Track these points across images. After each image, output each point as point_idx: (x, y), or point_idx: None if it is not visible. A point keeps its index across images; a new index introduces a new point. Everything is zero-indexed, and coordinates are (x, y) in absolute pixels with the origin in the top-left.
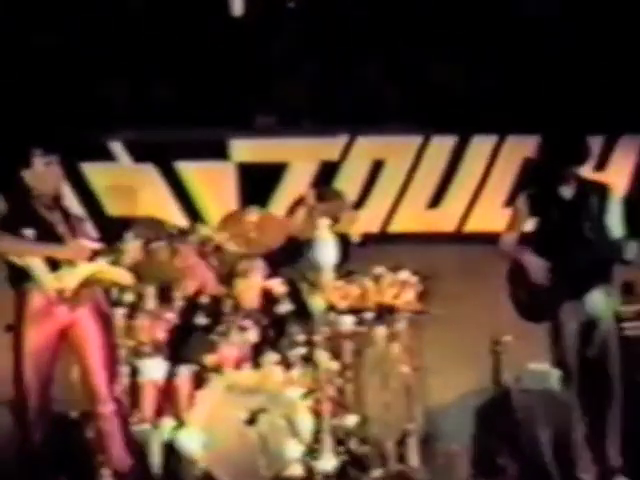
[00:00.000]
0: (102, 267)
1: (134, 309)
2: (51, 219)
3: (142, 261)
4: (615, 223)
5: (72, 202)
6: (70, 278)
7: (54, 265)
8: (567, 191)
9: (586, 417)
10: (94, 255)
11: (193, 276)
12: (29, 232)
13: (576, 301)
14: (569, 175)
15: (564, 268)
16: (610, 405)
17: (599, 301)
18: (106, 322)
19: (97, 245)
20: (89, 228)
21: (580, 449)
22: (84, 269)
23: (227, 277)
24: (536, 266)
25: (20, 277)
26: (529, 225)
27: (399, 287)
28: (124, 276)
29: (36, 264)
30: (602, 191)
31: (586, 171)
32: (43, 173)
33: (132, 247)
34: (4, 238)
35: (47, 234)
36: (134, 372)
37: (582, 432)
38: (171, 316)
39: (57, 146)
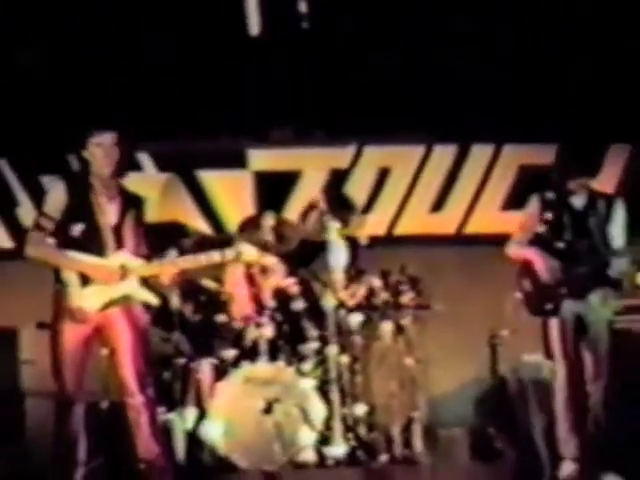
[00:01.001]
0: (131, 289)
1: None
2: (102, 218)
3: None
4: (618, 234)
5: None
6: (95, 299)
7: (85, 280)
8: (578, 200)
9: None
10: (124, 274)
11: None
12: (77, 228)
13: (575, 300)
14: (581, 185)
15: (569, 270)
16: (593, 396)
17: (597, 304)
18: (137, 320)
19: (134, 261)
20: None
21: (567, 435)
22: (111, 292)
23: (246, 276)
24: (547, 265)
25: (55, 279)
26: (539, 227)
27: (404, 286)
28: (151, 299)
29: (70, 277)
30: (610, 202)
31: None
32: (105, 153)
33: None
34: (44, 248)
35: (91, 237)
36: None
37: (569, 419)
38: (191, 313)
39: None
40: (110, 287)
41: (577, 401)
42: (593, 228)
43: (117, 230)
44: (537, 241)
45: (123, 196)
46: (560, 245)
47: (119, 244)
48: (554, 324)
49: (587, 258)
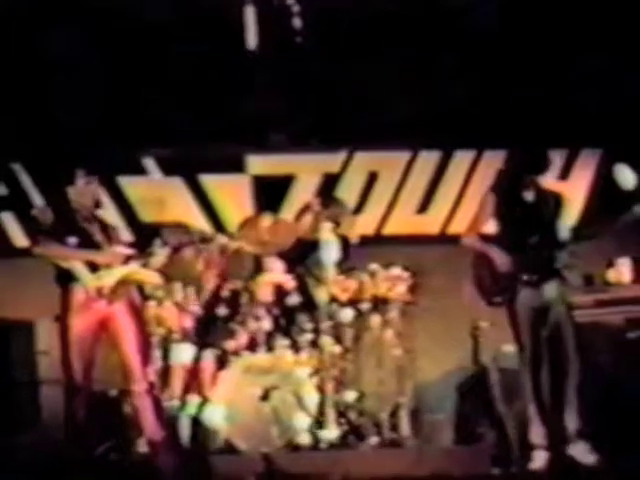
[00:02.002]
0: (134, 269)
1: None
2: (90, 230)
3: (169, 263)
4: (565, 227)
5: (110, 210)
6: (107, 278)
7: (93, 268)
8: (529, 195)
9: (543, 391)
10: (127, 259)
11: (209, 278)
12: (72, 240)
13: (532, 289)
14: (530, 182)
15: (524, 260)
16: (567, 381)
17: (553, 290)
18: (139, 314)
19: (129, 251)
20: (122, 235)
21: (533, 418)
22: (119, 271)
23: (246, 274)
24: (500, 257)
25: (65, 277)
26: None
27: (392, 281)
28: (153, 277)
29: (78, 267)
30: (557, 197)
31: (549, 180)
32: (84, 190)
33: (160, 252)
34: (52, 245)
35: (87, 242)
36: (165, 356)
37: (534, 404)
38: (196, 308)
39: (97, 164)
40: (116, 268)
41: (540, 388)
42: (542, 222)
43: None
44: (490, 238)
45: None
46: (513, 238)
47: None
48: (515, 314)
49: (538, 250)
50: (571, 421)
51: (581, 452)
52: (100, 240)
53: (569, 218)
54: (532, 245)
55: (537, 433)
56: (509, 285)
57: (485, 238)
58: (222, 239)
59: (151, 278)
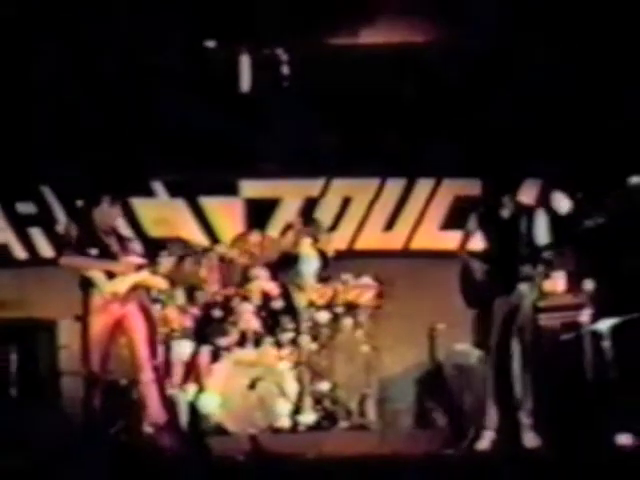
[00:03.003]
0: (145, 276)
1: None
2: (108, 242)
3: (174, 271)
4: (541, 234)
5: (124, 226)
6: (121, 285)
7: (110, 275)
8: (505, 212)
9: (501, 384)
10: (139, 268)
11: (211, 282)
12: (93, 251)
13: (505, 296)
14: (506, 201)
15: (500, 270)
16: (524, 376)
17: (525, 295)
18: (148, 314)
19: (140, 260)
20: (136, 246)
21: (489, 408)
22: (131, 278)
23: (238, 281)
24: (479, 268)
25: (86, 283)
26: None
27: (361, 289)
28: (160, 282)
29: (97, 275)
30: (531, 210)
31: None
32: (108, 211)
33: (165, 262)
34: (75, 257)
35: (105, 253)
36: (167, 351)
37: (492, 396)
38: (195, 310)
39: (115, 187)
40: (130, 275)
41: (502, 381)
42: (518, 234)
43: (122, 246)
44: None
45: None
46: (493, 251)
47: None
48: (489, 318)
49: (514, 259)
50: (523, 412)
51: (527, 437)
52: (116, 251)
53: (542, 226)
54: (509, 256)
55: (490, 417)
56: (487, 293)
57: (473, 253)
58: (220, 249)
59: (159, 283)
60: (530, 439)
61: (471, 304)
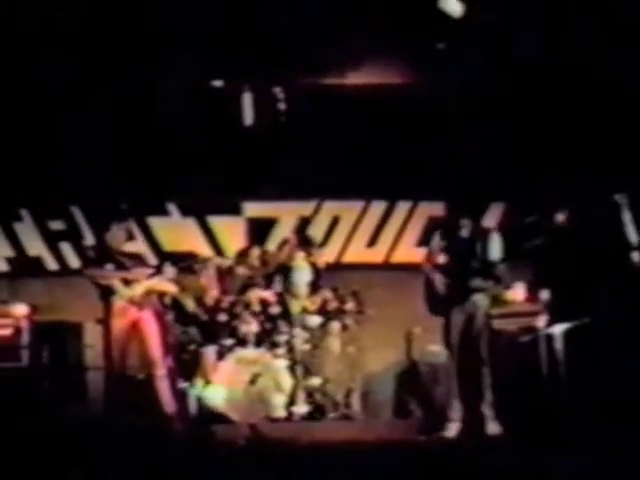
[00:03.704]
0: (156, 282)
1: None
2: (121, 259)
3: (182, 279)
4: (494, 253)
5: (140, 242)
6: (137, 290)
7: (126, 282)
8: (464, 232)
9: (464, 381)
10: (150, 275)
11: (211, 289)
12: (109, 266)
13: (461, 305)
14: (466, 223)
15: (457, 282)
16: (483, 373)
17: (479, 304)
18: (161, 318)
19: (151, 270)
20: (145, 261)
21: (453, 401)
22: (145, 284)
23: (240, 289)
24: (440, 280)
25: (107, 291)
26: (439, 257)
27: (348, 297)
28: (171, 287)
29: (116, 282)
30: (486, 231)
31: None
32: (116, 234)
33: (169, 271)
34: (96, 270)
35: (120, 267)
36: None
37: (455, 390)
38: (202, 314)
39: (134, 208)
40: (143, 282)
41: (464, 378)
42: (475, 252)
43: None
44: (438, 266)
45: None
46: (453, 265)
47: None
48: (449, 323)
49: (471, 274)
50: (485, 405)
51: (490, 426)
52: (129, 266)
53: (495, 245)
54: (467, 270)
55: (455, 410)
56: (447, 301)
57: (436, 266)
58: (217, 260)
59: (169, 288)
60: (492, 428)
61: (433, 311)
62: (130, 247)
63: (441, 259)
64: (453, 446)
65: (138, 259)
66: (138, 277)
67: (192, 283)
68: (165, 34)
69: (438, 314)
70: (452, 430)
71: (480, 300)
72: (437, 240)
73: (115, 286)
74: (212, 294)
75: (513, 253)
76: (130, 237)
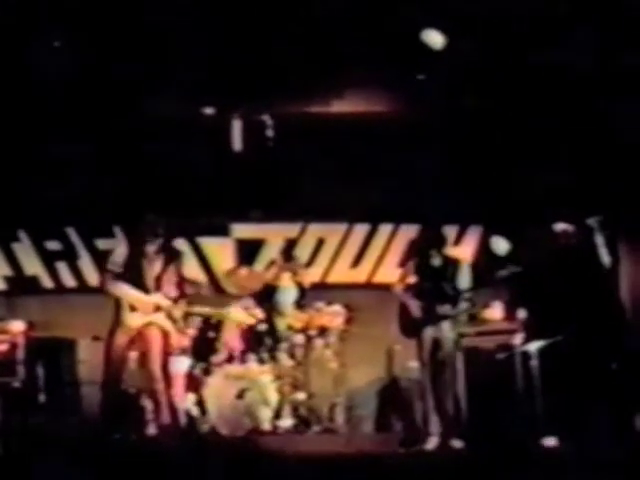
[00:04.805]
0: (156, 319)
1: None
2: (149, 270)
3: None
4: (464, 280)
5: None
6: (137, 321)
7: (132, 309)
8: (436, 261)
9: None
10: (157, 309)
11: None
12: (129, 277)
13: (433, 326)
14: (437, 252)
15: (429, 308)
16: (453, 388)
17: (448, 327)
18: (163, 333)
19: (162, 301)
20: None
21: (429, 414)
22: (146, 318)
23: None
24: (414, 304)
25: (117, 306)
26: (412, 280)
27: (332, 315)
28: (168, 325)
29: (125, 304)
30: (456, 262)
31: (449, 250)
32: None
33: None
34: (114, 283)
35: (140, 282)
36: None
37: (431, 404)
38: (192, 331)
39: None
40: (146, 315)
41: (438, 395)
42: (446, 279)
43: (158, 279)
44: (409, 288)
45: (167, 251)
46: (424, 291)
47: (158, 288)
48: (421, 342)
49: (441, 299)
50: (452, 417)
51: (457, 441)
52: (149, 285)
53: (464, 275)
54: (436, 294)
55: (433, 424)
56: (419, 323)
57: (408, 287)
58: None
59: (166, 325)
60: (456, 442)
61: (404, 333)
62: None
63: (412, 281)
64: (431, 459)
65: (175, 261)
66: (145, 308)
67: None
68: (157, 62)
69: (409, 335)
70: (431, 443)
71: (447, 327)
72: (410, 267)
73: (122, 308)
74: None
75: (487, 281)
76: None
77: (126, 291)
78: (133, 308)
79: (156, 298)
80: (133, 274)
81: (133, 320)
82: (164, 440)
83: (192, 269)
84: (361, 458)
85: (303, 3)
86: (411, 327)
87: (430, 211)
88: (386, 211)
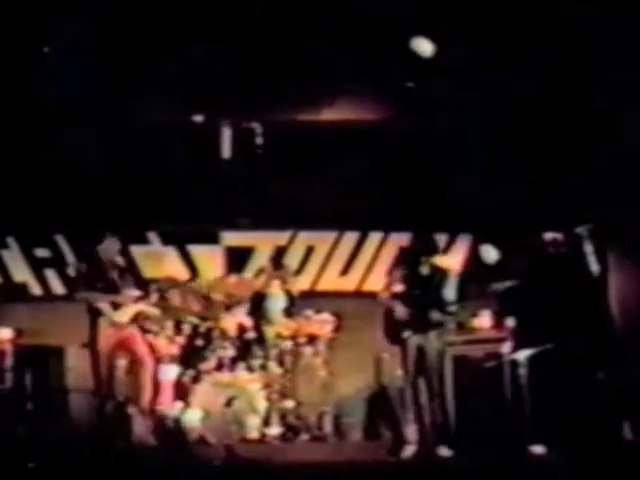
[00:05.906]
0: (142, 307)
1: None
2: (111, 275)
3: (162, 302)
4: (450, 291)
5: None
6: (124, 315)
7: (115, 306)
8: (424, 270)
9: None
10: (137, 300)
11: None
12: (100, 285)
13: (419, 334)
14: (426, 260)
15: (415, 316)
16: (439, 397)
17: (434, 335)
18: (145, 338)
19: (137, 293)
20: (132, 277)
21: (409, 421)
22: (132, 309)
23: (216, 316)
24: (399, 308)
25: (94, 313)
26: (399, 287)
27: (321, 323)
28: (155, 312)
29: (105, 306)
30: (444, 271)
31: (438, 259)
32: (109, 246)
33: (155, 295)
34: (86, 292)
35: (110, 285)
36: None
37: (413, 411)
38: (181, 339)
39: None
40: (131, 307)
41: (419, 404)
42: (433, 289)
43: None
44: (397, 296)
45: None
46: (411, 299)
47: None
48: (405, 350)
49: (428, 307)
50: (440, 425)
51: (441, 448)
52: (118, 283)
53: (451, 286)
54: (423, 303)
55: (411, 432)
56: (403, 326)
57: (394, 296)
58: (196, 285)
59: (153, 312)
60: (443, 450)
61: (390, 340)
62: (121, 260)
63: (398, 289)
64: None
65: (127, 273)
66: (126, 301)
67: (173, 307)
68: (147, 70)
69: (392, 340)
70: (408, 451)
71: (433, 336)
72: (398, 275)
73: (104, 310)
74: (191, 318)
75: (478, 292)
76: (122, 249)
77: (101, 295)
78: (115, 305)
79: (133, 294)
80: (97, 282)
81: (122, 316)
82: (151, 448)
83: (182, 276)
84: (350, 466)
85: (292, 12)
86: (395, 331)
87: (419, 219)
88: (376, 218)
